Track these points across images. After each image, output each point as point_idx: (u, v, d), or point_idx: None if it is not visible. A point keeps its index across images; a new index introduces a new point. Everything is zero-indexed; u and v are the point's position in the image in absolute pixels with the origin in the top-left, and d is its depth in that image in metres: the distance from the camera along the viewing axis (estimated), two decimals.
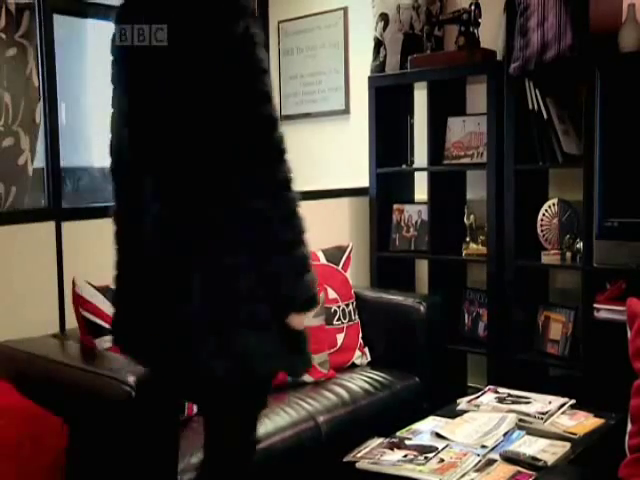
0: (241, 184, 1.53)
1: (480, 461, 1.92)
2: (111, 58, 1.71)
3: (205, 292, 1.54)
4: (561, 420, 2.19)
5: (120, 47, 1.64)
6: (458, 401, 2.37)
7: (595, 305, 2.76)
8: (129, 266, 1.69)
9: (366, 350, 2.96)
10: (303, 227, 1.57)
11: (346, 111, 3.79)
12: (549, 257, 2.98)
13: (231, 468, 1.71)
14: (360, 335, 2.96)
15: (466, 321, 3.40)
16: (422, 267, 3.51)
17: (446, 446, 2.01)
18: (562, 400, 2.31)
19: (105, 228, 2.75)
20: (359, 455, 1.99)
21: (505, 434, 2.07)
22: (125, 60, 1.66)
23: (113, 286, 1.73)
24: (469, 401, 2.35)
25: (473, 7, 3.15)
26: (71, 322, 2.46)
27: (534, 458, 1.91)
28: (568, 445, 2.02)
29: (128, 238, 1.69)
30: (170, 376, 1.71)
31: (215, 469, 1.73)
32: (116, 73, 1.70)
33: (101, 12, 2.89)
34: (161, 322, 1.59)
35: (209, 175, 1.55)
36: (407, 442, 2.05)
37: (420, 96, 3.44)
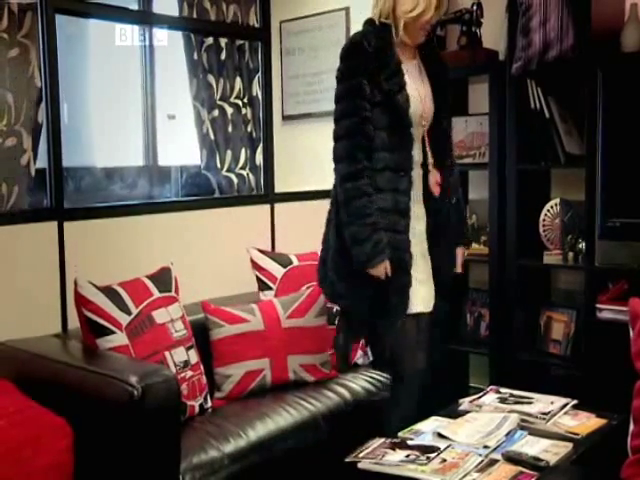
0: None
1: (482, 461, 1.92)
2: None
3: (325, 240, 2.46)
4: (563, 420, 2.19)
5: None
6: (460, 401, 2.37)
7: (597, 305, 2.76)
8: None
9: (368, 350, 2.95)
10: (357, 210, 2.26)
11: None
12: (551, 257, 2.98)
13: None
14: None
15: (468, 321, 3.40)
16: None
17: (448, 446, 2.00)
18: (564, 400, 2.31)
19: (107, 228, 2.76)
20: (361, 455, 1.98)
21: (507, 434, 2.07)
22: None
23: None
24: (471, 401, 2.34)
25: (475, 7, 3.15)
26: (73, 322, 2.47)
27: (536, 458, 1.91)
28: (570, 445, 2.02)
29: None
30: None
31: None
32: None
33: (104, 12, 2.89)
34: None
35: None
36: (409, 442, 2.04)
37: None
